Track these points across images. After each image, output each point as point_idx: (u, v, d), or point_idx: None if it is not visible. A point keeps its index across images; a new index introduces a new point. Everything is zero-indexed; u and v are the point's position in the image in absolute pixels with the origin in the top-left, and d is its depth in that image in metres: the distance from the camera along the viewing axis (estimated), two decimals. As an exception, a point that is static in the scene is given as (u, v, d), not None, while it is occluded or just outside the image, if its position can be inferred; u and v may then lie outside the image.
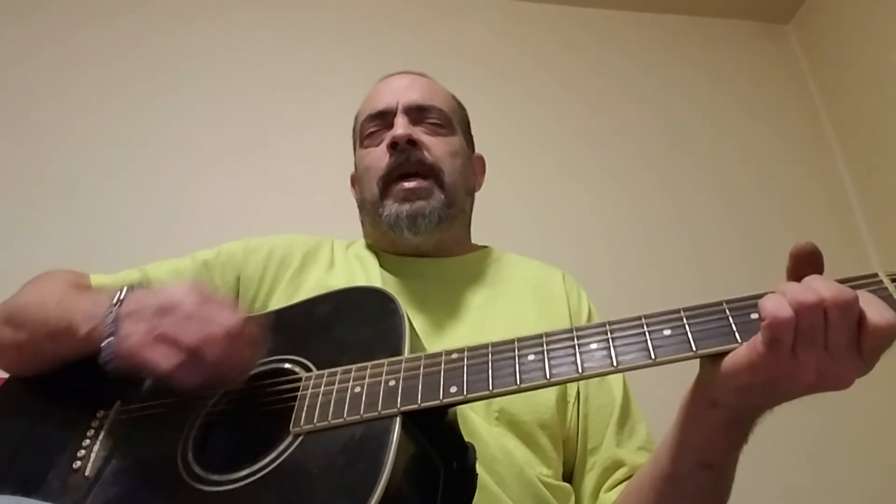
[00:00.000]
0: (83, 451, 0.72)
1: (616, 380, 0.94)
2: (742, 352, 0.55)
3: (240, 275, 0.98)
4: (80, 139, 1.70)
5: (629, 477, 0.84)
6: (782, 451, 1.57)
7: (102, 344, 0.68)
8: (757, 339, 0.54)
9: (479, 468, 0.67)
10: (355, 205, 1.14)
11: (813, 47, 2.25)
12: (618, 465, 0.87)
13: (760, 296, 0.56)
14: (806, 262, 0.57)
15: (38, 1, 1.83)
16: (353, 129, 1.14)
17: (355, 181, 1.12)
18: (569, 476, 0.90)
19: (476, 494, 0.66)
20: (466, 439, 0.68)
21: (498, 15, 2.15)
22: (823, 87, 2.21)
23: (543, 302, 0.99)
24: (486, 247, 1.12)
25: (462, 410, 0.69)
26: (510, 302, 0.98)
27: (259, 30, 1.95)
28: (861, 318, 0.53)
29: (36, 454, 0.74)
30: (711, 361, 0.58)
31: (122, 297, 0.71)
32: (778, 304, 0.53)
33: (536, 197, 1.90)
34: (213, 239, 1.61)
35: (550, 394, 0.87)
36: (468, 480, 0.66)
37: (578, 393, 0.91)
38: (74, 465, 0.71)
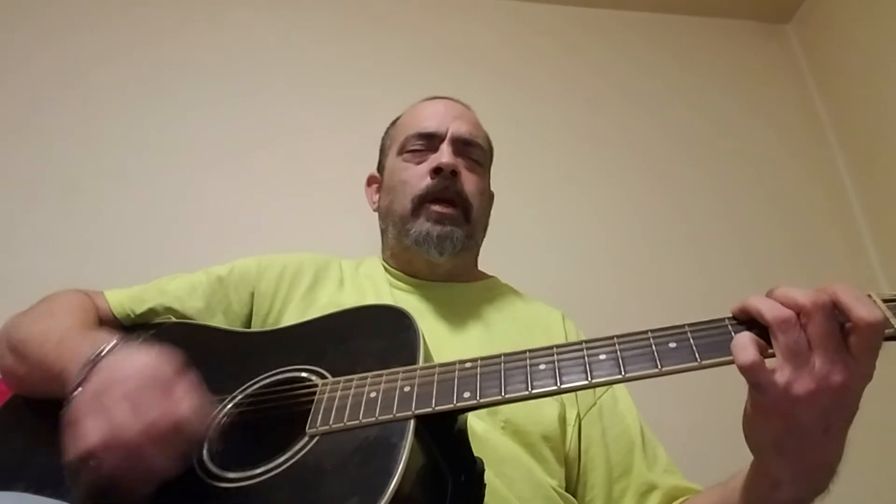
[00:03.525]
0: None
1: (627, 408, 0.97)
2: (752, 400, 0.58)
3: (254, 291, 1.01)
4: (80, 140, 1.70)
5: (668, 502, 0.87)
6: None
7: (62, 410, 0.67)
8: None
9: (488, 472, 0.69)
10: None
11: (813, 47, 2.26)
12: (652, 487, 0.89)
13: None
14: None
15: (38, 2, 1.83)
16: (388, 133, 1.18)
17: (378, 184, 1.16)
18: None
19: (486, 498, 0.68)
20: (475, 450, 0.69)
21: (498, 15, 2.16)
22: (823, 87, 2.22)
23: (542, 336, 1.02)
24: (492, 277, 1.17)
25: (469, 423, 0.71)
26: (511, 331, 1.02)
27: (259, 31, 1.95)
28: (848, 314, 0.55)
29: (50, 452, 0.73)
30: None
31: (100, 353, 0.70)
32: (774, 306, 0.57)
33: (536, 197, 1.91)
34: (214, 241, 1.60)
35: (553, 410, 0.91)
36: (476, 494, 0.68)
37: (578, 415, 0.94)
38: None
